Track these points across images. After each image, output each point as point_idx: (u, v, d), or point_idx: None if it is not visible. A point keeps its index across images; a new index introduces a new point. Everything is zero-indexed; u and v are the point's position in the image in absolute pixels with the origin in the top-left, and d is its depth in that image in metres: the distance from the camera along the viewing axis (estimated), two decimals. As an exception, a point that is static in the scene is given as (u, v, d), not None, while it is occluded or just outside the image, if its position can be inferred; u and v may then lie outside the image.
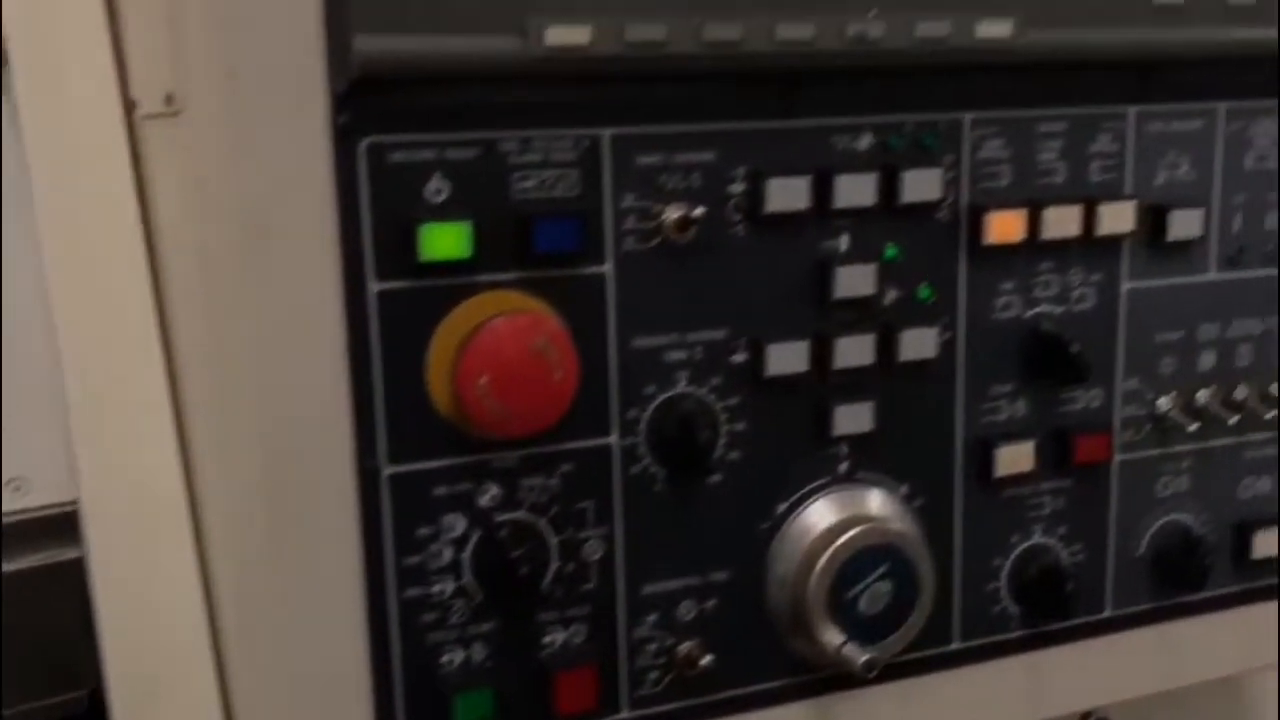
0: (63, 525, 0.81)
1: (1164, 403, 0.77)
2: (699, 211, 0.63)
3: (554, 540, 0.64)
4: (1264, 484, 0.82)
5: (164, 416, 0.63)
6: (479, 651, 0.64)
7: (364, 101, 0.57)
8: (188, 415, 0.63)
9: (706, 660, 0.68)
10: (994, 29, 0.65)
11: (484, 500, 0.63)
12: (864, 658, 0.67)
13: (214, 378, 0.62)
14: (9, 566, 0.83)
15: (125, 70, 0.63)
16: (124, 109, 0.63)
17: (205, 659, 0.64)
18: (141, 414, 0.63)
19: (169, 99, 0.63)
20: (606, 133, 0.62)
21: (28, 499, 0.83)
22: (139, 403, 0.63)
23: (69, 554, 0.81)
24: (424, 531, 0.62)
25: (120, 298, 0.62)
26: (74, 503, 0.66)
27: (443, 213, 0.59)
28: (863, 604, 0.69)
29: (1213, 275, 0.77)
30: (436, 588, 0.63)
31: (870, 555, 0.69)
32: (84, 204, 0.62)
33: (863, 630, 0.69)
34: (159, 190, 0.64)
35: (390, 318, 0.59)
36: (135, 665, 0.63)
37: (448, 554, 0.62)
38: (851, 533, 0.68)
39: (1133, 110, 0.73)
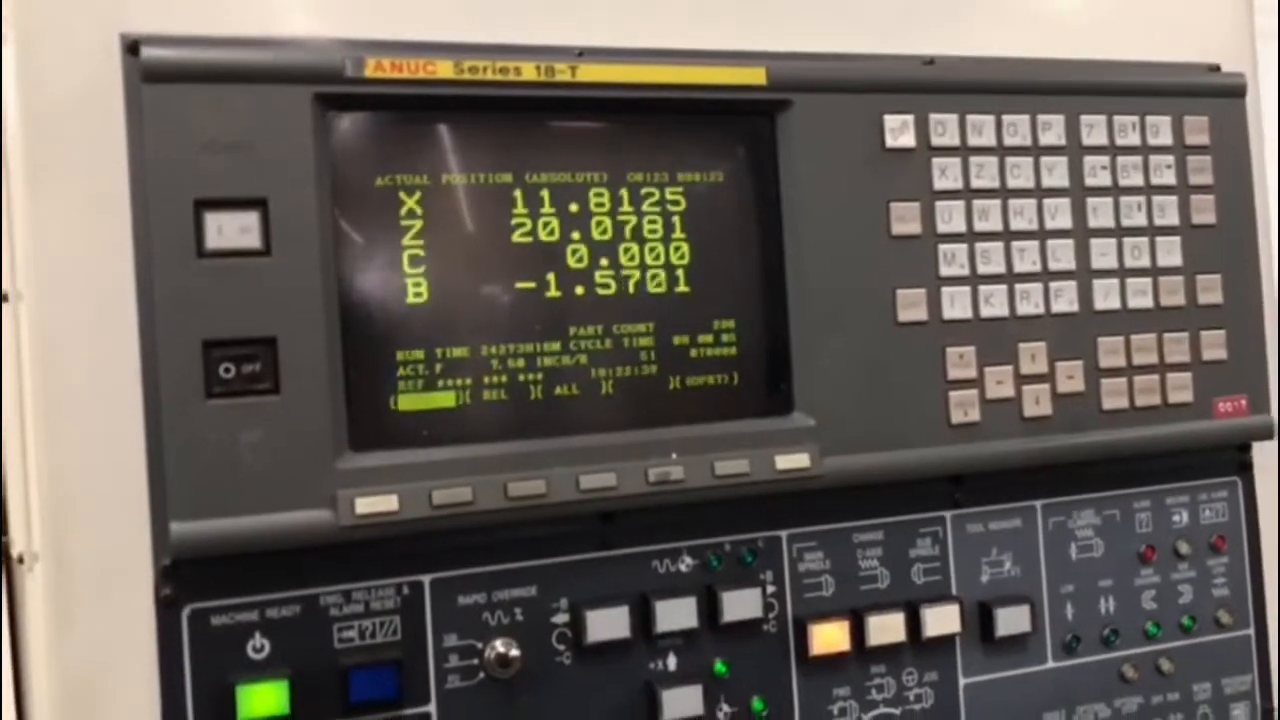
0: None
1: (1017, 797, 0.78)
2: (515, 652, 0.66)
3: None
4: None
5: None
6: None
7: (186, 573, 0.61)
8: None
9: None
10: (793, 461, 0.70)
11: None
12: None
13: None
14: None
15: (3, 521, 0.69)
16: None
17: None
18: None
19: (20, 558, 0.68)
20: (427, 578, 0.66)
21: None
22: None
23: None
24: None
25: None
26: None
27: (262, 670, 0.62)
28: None
29: (1050, 664, 0.80)
30: None
31: None
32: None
33: None
34: (28, 625, 0.68)
35: (210, 778, 0.61)
36: None
37: None
38: None
39: (949, 515, 0.78)
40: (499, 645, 0.67)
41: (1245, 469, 0.86)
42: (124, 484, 0.61)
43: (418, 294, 0.66)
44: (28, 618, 0.70)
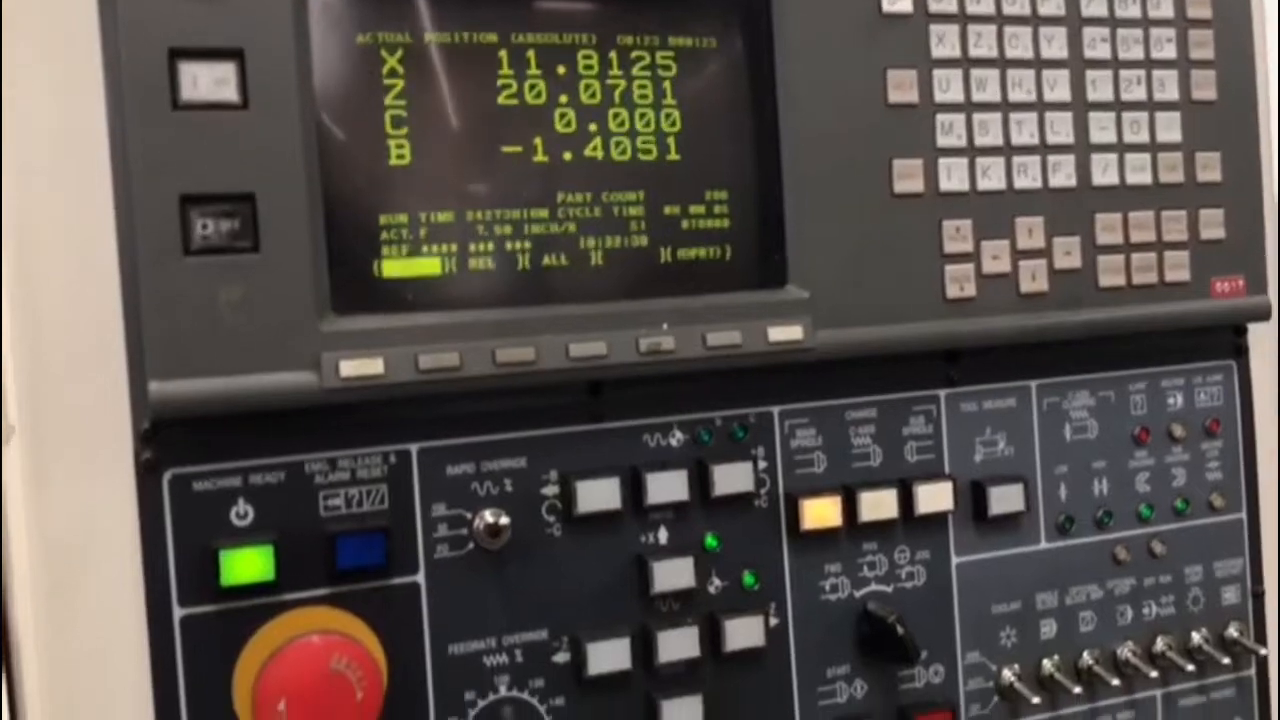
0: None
1: (1008, 674, 0.78)
2: (505, 520, 0.65)
3: None
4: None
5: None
6: None
7: (167, 437, 0.60)
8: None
9: None
10: (786, 333, 0.69)
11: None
12: None
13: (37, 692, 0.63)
14: None
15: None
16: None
17: None
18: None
19: (6, 426, 0.66)
20: (414, 447, 0.65)
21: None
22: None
23: None
24: None
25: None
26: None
27: (246, 537, 0.61)
28: None
29: (1044, 545, 0.79)
30: None
31: None
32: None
33: None
34: (7, 497, 0.67)
35: (194, 643, 0.60)
36: None
37: None
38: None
39: (943, 393, 0.77)
40: (488, 515, 0.66)
41: (1241, 352, 0.85)
42: (102, 346, 0.60)
43: (400, 156, 0.64)
44: (6, 490, 0.68)
